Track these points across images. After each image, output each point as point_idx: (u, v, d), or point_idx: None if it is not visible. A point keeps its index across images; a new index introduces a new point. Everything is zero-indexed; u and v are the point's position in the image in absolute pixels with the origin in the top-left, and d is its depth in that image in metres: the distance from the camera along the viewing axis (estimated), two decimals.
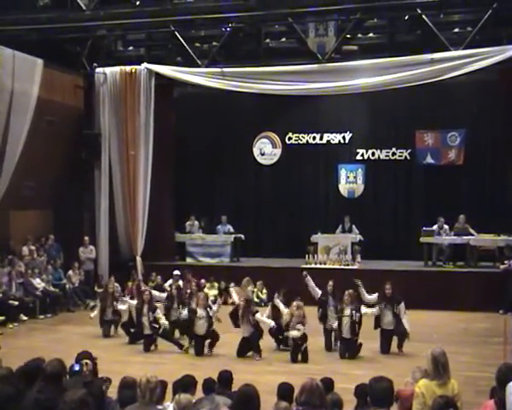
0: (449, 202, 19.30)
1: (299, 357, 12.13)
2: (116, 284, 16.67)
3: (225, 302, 18.17)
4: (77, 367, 6.74)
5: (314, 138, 21.40)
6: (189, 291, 15.01)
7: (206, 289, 16.98)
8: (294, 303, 12.46)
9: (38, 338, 14.37)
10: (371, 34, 19.35)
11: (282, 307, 12.90)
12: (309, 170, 21.66)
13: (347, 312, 12.37)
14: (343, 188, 21.17)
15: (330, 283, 13.31)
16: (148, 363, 11.87)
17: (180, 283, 17.35)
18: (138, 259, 19.20)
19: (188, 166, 21.39)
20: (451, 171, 19.94)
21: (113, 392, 6.53)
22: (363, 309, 12.65)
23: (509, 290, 16.41)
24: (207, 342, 12.89)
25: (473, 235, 18.15)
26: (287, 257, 20.17)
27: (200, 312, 12.80)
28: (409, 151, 20.55)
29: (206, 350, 12.82)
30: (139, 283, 16.92)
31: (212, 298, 16.50)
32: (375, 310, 12.78)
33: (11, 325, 15.56)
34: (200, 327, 12.79)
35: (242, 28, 18.95)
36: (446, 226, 18.52)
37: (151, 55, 20.13)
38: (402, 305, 12.72)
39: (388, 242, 19.99)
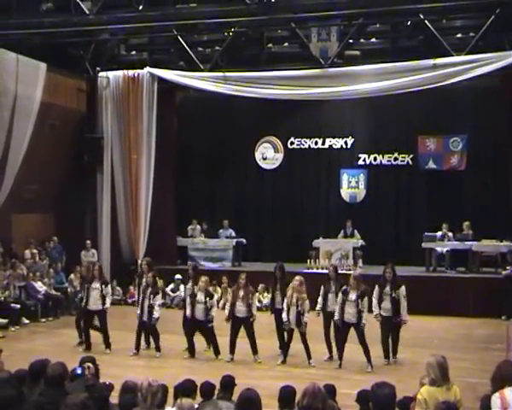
0: (451, 208, 19.29)
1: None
2: (118, 288, 16.71)
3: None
4: (79, 371, 6.74)
5: (316, 143, 21.40)
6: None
7: None
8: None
9: (40, 341, 14.39)
10: (374, 39, 19.42)
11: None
12: (311, 175, 21.66)
13: (352, 297, 11.95)
14: (345, 193, 21.15)
15: (331, 268, 13.38)
16: (149, 367, 11.89)
17: (181, 287, 17.40)
18: (140, 262, 19.17)
19: (190, 170, 21.41)
20: (453, 176, 19.93)
21: (114, 396, 6.53)
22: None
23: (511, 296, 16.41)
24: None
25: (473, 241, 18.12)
26: (288, 262, 20.12)
27: (200, 296, 12.64)
28: (411, 156, 20.55)
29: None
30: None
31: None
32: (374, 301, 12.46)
33: (13, 328, 15.56)
34: (199, 311, 12.63)
35: (245, 33, 18.98)
36: (450, 234, 18.49)
37: (154, 59, 20.14)
38: (402, 289, 12.40)
39: (390, 247, 19.91)
